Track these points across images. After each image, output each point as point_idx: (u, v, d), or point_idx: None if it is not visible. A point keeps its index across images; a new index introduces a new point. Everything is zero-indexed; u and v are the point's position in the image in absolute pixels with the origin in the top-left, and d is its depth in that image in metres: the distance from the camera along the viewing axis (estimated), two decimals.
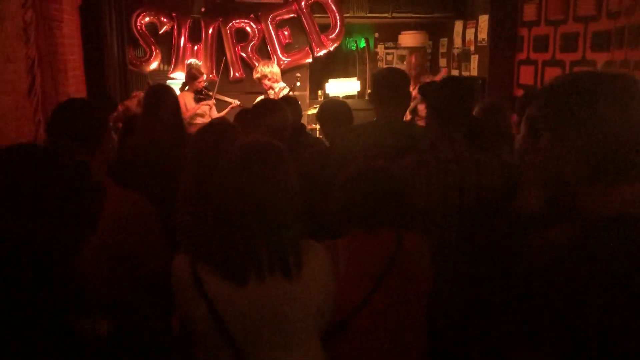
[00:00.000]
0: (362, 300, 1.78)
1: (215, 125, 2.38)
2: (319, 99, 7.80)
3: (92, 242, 1.55)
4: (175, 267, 1.54)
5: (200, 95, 5.91)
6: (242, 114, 3.27)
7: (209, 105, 5.84)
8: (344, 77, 7.99)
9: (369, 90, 7.87)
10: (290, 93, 5.52)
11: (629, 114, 1.13)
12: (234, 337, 1.46)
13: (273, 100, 3.29)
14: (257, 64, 5.87)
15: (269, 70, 5.65)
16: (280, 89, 5.63)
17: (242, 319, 1.47)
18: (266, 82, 5.63)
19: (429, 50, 8.89)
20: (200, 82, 5.89)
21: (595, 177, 1.15)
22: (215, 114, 5.90)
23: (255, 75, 5.72)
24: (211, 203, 1.57)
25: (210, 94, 5.97)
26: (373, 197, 1.86)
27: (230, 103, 6.23)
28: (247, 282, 1.46)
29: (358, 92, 7.74)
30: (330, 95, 7.24)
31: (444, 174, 2.18)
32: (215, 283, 1.47)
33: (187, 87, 5.97)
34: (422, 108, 5.44)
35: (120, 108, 5.28)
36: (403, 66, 9.10)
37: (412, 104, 5.35)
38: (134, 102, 5.38)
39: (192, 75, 5.96)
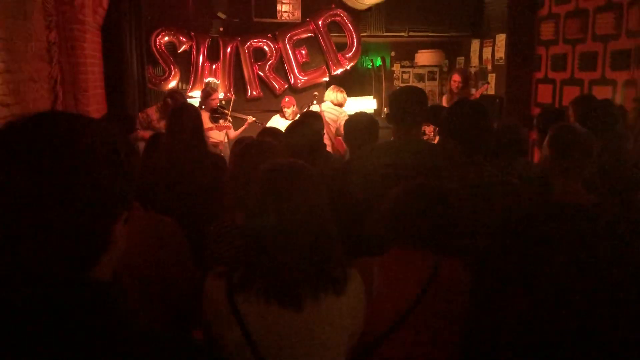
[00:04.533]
0: (392, 324, 1.75)
1: (254, 146, 2.34)
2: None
3: (123, 266, 1.50)
4: (208, 291, 1.52)
5: (216, 114, 5.95)
6: (268, 131, 3.29)
7: (225, 127, 5.87)
8: (360, 95, 8.01)
9: (385, 109, 7.88)
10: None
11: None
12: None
13: (313, 111, 3.33)
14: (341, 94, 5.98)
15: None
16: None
17: (277, 344, 1.45)
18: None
19: (445, 69, 8.90)
20: (213, 99, 5.92)
21: None
22: (232, 133, 5.94)
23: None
24: (246, 229, 1.55)
25: (226, 111, 6.01)
26: (425, 214, 1.84)
27: (246, 120, 6.27)
28: (304, 306, 1.44)
29: (374, 110, 7.75)
30: (347, 113, 7.26)
31: (472, 199, 2.15)
32: (251, 309, 1.45)
33: (202, 107, 6.03)
34: (429, 130, 5.45)
35: (140, 116, 5.35)
36: (419, 85, 9.13)
37: None
38: (153, 109, 5.45)
39: (206, 93, 6.02)
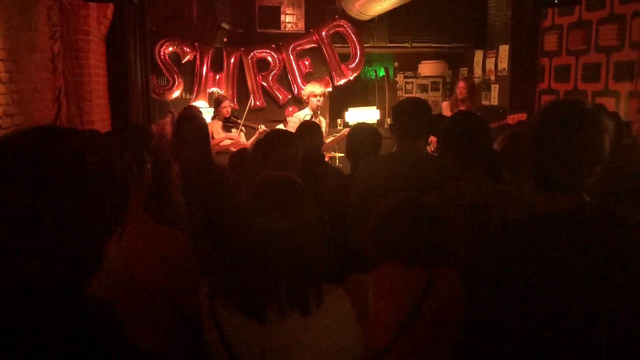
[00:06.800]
0: (388, 341, 1.73)
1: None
2: (338, 128, 7.83)
3: (131, 281, 1.50)
4: (199, 296, 1.56)
5: (228, 123, 5.98)
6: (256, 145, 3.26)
7: (233, 140, 5.88)
8: (363, 105, 8.02)
9: (388, 119, 7.88)
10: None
11: (574, 140, 1.40)
12: None
13: (285, 131, 3.23)
14: (315, 84, 5.73)
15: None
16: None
17: (251, 353, 1.46)
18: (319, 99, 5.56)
19: (448, 80, 8.92)
20: (224, 107, 5.94)
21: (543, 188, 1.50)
22: (243, 140, 5.95)
23: (320, 91, 5.58)
24: (229, 240, 1.55)
25: (239, 121, 6.04)
26: (412, 230, 1.81)
27: (258, 129, 6.26)
28: (267, 320, 1.43)
29: (377, 120, 7.75)
30: (350, 123, 7.26)
31: (469, 210, 2.15)
32: (230, 317, 1.47)
33: (216, 116, 6.03)
34: (433, 139, 5.43)
35: (154, 127, 5.34)
36: (423, 95, 9.14)
37: None
38: (167, 120, 5.43)
39: (216, 101, 6.04)
